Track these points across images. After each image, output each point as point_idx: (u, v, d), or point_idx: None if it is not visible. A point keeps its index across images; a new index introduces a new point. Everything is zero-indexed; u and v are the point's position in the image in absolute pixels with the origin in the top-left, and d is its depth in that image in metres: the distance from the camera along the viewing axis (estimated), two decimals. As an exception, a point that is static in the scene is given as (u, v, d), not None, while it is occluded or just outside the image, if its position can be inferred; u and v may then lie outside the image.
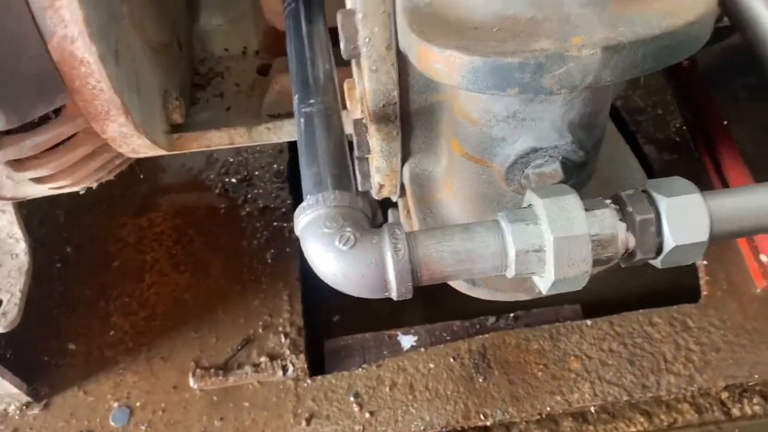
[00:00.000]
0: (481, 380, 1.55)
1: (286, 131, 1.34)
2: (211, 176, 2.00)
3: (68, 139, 1.10)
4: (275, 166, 2.00)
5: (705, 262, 1.71)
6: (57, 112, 1.05)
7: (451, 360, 1.58)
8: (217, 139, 1.31)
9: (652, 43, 0.70)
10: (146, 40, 1.23)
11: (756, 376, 1.53)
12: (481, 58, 0.70)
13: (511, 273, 0.77)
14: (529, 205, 0.79)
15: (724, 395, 1.55)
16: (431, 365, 1.58)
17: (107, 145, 1.17)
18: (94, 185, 1.32)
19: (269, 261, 1.82)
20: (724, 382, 1.53)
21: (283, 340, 1.66)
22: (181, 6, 1.58)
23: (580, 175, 0.91)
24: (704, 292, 1.66)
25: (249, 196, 1.95)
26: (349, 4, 0.95)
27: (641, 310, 1.63)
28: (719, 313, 1.61)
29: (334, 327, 1.78)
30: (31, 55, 0.96)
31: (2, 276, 1.47)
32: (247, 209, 1.93)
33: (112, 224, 1.91)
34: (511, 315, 1.70)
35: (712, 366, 1.55)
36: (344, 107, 1.06)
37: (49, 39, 0.95)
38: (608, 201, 0.78)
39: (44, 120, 1.04)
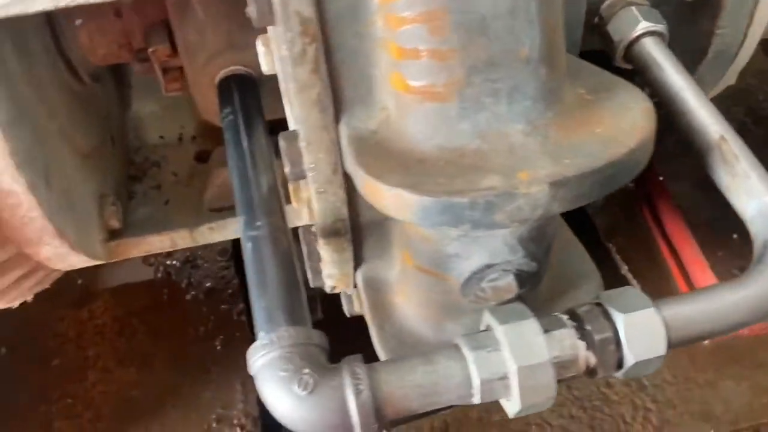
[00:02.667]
0: (445, 459, 1.53)
1: (231, 230, 1.30)
2: (152, 260, 1.93)
3: (-2, 265, 1.04)
4: (219, 244, 1.95)
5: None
6: (-16, 241, 0.99)
7: (414, 441, 1.56)
8: (159, 244, 1.26)
9: (597, 174, 0.71)
10: (76, 149, 1.18)
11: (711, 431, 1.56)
12: (431, 198, 0.70)
13: (476, 401, 0.76)
14: (488, 328, 0.78)
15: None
16: (393, 448, 1.54)
17: (41, 264, 1.11)
18: (30, 299, 1.25)
19: (218, 348, 1.76)
20: (683, 439, 1.56)
21: (238, 432, 1.61)
22: (112, 98, 1.54)
23: (534, 283, 0.91)
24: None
25: (193, 279, 1.90)
26: (291, 125, 0.94)
27: (596, 371, 1.64)
28: (671, 369, 1.64)
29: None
30: (-47, 191, 0.90)
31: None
32: (192, 293, 1.87)
33: (50, 318, 1.82)
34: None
35: (672, 423, 1.57)
36: (288, 202, 1.04)
37: (-29, 174, 0.90)
38: (565, 317, 0.78)
39: (-29, 251, 0.98)
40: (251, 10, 0.76)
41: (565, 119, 0.76)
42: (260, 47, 0.91)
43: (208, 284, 1.88)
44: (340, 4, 0.75)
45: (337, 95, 0.79)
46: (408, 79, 0.74)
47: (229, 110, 1.04)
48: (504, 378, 0.74)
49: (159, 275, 1.90)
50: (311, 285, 1.13)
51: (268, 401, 0.76)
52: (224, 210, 1.39)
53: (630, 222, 1.92)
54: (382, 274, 1.04)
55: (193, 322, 1.80)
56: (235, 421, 1.62)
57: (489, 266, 0.85)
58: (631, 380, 1.63)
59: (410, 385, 0.74)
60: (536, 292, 0.98)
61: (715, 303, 0.81)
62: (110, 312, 1.83)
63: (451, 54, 0.71)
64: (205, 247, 1.95)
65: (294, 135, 0.85)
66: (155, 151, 1.59)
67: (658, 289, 1.81)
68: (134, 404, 1.67)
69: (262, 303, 0.83)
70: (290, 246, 0.91)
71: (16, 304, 1.23)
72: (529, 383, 0.73)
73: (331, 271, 1.04)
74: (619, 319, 0.76)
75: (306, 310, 0.85)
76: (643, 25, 1.10)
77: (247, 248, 0.89)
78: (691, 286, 1.75)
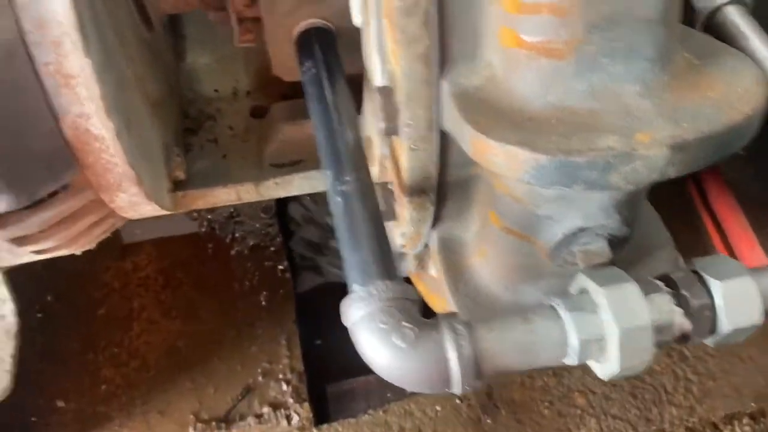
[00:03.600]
0: (489, 421, 1.55)
1: (295, 185, 1.30)
2: (195, 214, 1.94)
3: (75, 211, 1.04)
4: (263, 201, 1.95)
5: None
6: (65, 186, 0.99)
7: (458, 401, 1.58)
8: (224, 196, 1.26)
9: (715, 139, 0.70)
10: (147, 97, 1.17)
11: (752, 404, 1.58)
12: (546, 156, 0.69)
13: (573, 362, 0.77)
14: (582, 290, 0.78)
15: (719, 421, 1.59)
16: (438, 407, 1.57)
17: (113, 212, 1.11)
18: (94, 246, 1.26)
19: (263, 303, 1.77)
20: (723, 411, 1.57)
21: (284, 387, 1.62)
22: (170, 48, 1.52)
23: (623, 248, 0.91)
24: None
25: (237, 234, 1.90)
26: (379, 80, 0.92)
27: (639, 341, 1.65)
28: (715, 342, 1.65)
29: (335, 370, 1.75)
30: (42, 132, 0.90)
31: (-11, 339, 1.39)
32: (236, 248, 1.87)
33: (95, 269, 1.83)
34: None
35: (712, 395, 1.59)
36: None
37: (62, 117, 0.89)
38: (661, 283, 0.78)
39: (51, 195, 0.98)
40: (360, -42, 0.74)
41: (678, 82, 0.75)
42: (354, -2, 0.89)
43: (252, 240, 1.89)
44: (457, -45, 0.73)
45: (444, 50, 0.78)
46: (522, 34, 0.73)
47: (311, 64, 1.03)
48: (601, 340, 0.74)
49: (203, 229, 1.90)
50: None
51: (367, 353, 0.76)
52: (285, 166, 1.39)
53: (675, 196, 1.90)
54: (458, 235, 1.04)
55: (237, 276, 1.81)
56: (281, 376, 1.64)
57: (582, 230, 0.85)
58: (673, 351, 1.64)
59: (509, 343, 0.74)
60: (613, 260, 0.98)
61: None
62: (155, 264, 1.84)
63: (573, 9, 0.70)
64: (249, 204, 1.95)
65: (390, 90, 0.84)
66: (210, 104, 1.58)
67: (703, 263, 1.81)
68: (180, 355, 1.69)
69: (356, 256, 0.83)
70: (377, 201, 0.91)
71: (80, 251, 1.24)
72: (630, 346, 0.73)
73: (407, 230, 1.03)
74: (716, 286, 0.76)
75: (395, 265, 0.85)
76: (729, -7, 1.07)
77: (336, 203, 0.89)
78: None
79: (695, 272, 0.78)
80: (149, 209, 1.12)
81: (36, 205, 0.97)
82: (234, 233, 1.89)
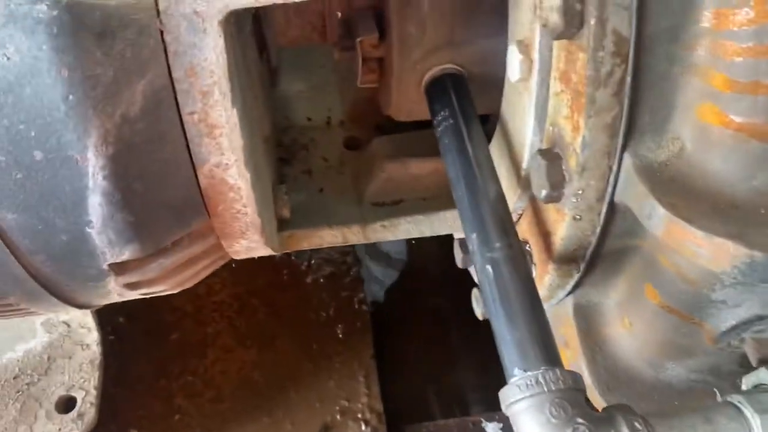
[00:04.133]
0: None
1: (402, 229, 1.24)
2: (271, 238, 1.89)
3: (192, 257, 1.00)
4: (339, 228, 1.90)
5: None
6: (189, 234, 0.94)
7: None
8: (330, 238, 1.21)
9: None
10: (262, 135, 1.13)
11: None
12: (763, 253, 0.63)
13: (754, 469, 0.70)
14: (762, 387, 0.72)
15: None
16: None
17: (227, 254, 1.06)
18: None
19: (340, 336, 1.72)
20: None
21: (363, 428, 1.57)
22: (263, 72, 1.47)
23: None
24: None
25: (313, 261, 1.85)
26: (528, 140, 0.87)
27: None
28: None
29: (413, 410, 1.70)
30: (178, 182, 0.85)
31: (73, 369, 1.36)
32: (312, 276, 1.83)
33: (167, 290, 1.79)
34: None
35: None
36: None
37: (200, 166, 0.85)
38: None
39: (175, 243, 0.94)
40: (553, 18, 0.68)
41: None
42: (515, 53, 0.84)
43: (328, 268, 1.84)
44: (662, 25, 0.67)
45: (631, 120, 0.72)
46: (732, 114, 0.67)
47: (447, 113, 0.97)
48: (792, 448, 0.67)
49: (278, 255, 1.86)
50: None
51: (534, 447, 0.71)
52: (385, 205, 1.34)
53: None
54: (595, 301, 0.98)
55: (313, 306, 1.76)
56: (359, 416, 1.59)
57: (761, 318, 0.78)
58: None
59: (691, 444, 0.68)
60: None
61: None
62: (229, 289, 1.80)
63: (796, 93, 0.63)
64: (325, 230, 1.90)
65: (556, 155, 0.79)
66: (303, 134, 1.53)
67: None
68: (256, 386, 1.64)
69: (513, 336, 0.78)
70: (530, 270, 0.85)
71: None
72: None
73: (540, 293, 0.97)
74: None
75: (557, 347, 0.79)
76: None
77: (486, 271, 0.83)
78: None
79: None
80: (262, 252, 1.07)
81: (159, 252, 0.93)
82: (311, 260, 1.84)
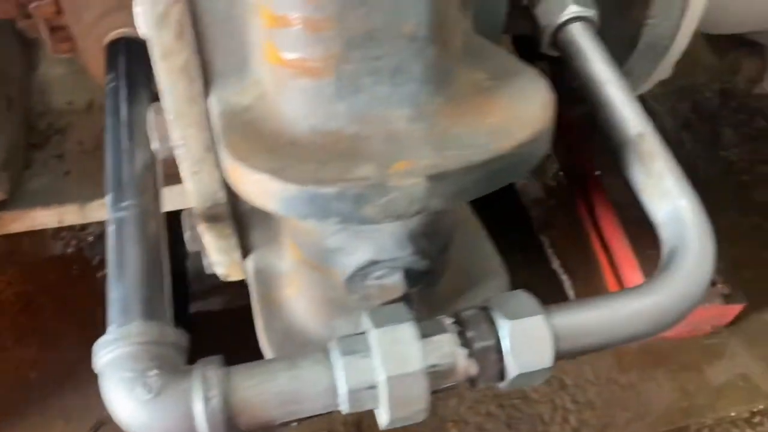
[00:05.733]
0: (356, 455, 1.47)
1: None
2: (63, 233, 1.82)
3: None
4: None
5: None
6: None
7: (325, 433, 1.49)
8: (43, 218, 1.16)
9: (481, 169, 0.64)
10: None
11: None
12: (296, 186, 0.62)
13: (344, 410, 0.69)
14: (364, 332, 0.71)
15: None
16: (302, 439, 1.48)
17: None
18: None
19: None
20: (600, 440, 1.53)
21: (140, 420, 1.51)
22: (12, 57, 1.41)
23: (428, 280, 0.84)
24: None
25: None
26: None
27: (519, 368, 1.60)
28: (594, 370, 1.61)
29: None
30: None
31: None
32: (103, 271, 1.76)
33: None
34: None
35: (590, 425, 1.54)
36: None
37: None
38: (449, 321, 0.72)
39: None
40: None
41: (456, 106, 0.69)
42: (136, 6, 0.81)
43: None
44: (208, -39, 0.66)
45: (207, 64, 0.71)
46: (281, 51, 0.66)
47: (113, 76, 0.94)
48: (373, 387, 0.67)
49: (69, 250, 1.79)
50: (206, 272, 1.05)
51: (109, 404, 0.68)
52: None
53: (565, 216, 1.87)
54: (273, 264, 0.96)
55: (102, 302, 1.69)
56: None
57: (374, 263, 0.78)
58: (553, 378, 1.59)
59: (269, 392, 0.67)
60: (435, 290, 0.92)
61: (614, 312, 0.75)
62: (16, 287, 1.71)
63: (326, 24, 0.63)
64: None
65: (158, 106, 0.77)
66: (61, 118, 1.48)
67: (589, 285, 1.78)
68: (31, 385, 1.56)
69: (117, 292, 0.76)
70: (159, 230, 0.83)
71: None
72: (399, 394, 0.66)
73: (218, 258, 0.95)
74: (504, 326, 0.70)
75: (168, 304, 0.77)
76: (572, 10, 1.03)
77: (110, 231, 0.80)
78: (622, 285, 1.72)
79: (485, 309, 0.72)
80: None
81: None
82: (103, 255, 1.77)
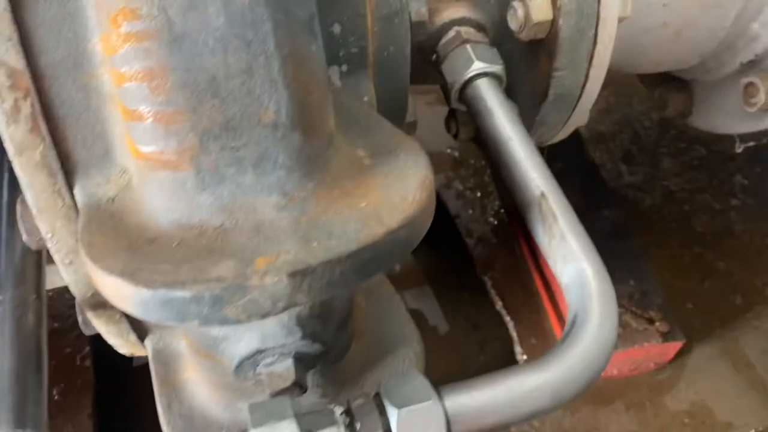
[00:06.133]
0: None
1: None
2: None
3: None
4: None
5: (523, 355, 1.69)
6: None
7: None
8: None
9: (349, 260, 0.61)
10: None
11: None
12: (148, 290, 0.58)
13: None
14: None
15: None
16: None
17: None
18: None
19: (56, 397, 1.59)
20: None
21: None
22: None
23: (324, 362, 0.81)
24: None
25: (36, 318, 1.72)
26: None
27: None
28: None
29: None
30: None
31: None
32: (34, 335, 1.69)
33: None
34: None
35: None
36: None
37: None
38: (339, 412, 0.69)
39: None
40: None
41: (330, 190, 0.66)
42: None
43: (55, 324, 1.71)
44: (57, 54, 0.63)
45: (68, 156, 0.67)
46: (137, 144, 0.63)
47: (-4, 156, 0.90)
48: (252, 492, 0.63)
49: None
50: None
51: None
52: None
53: (507, 256, 1.86)
54: (171, 346, 0.92)
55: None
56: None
57: (260, 351, 0.75)
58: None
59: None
60: (342, 364, 0.89)
61: (510, 390, 0.73)
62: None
63: (177, 117, 0.60)
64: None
65: (22, 198, 0.73)
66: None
67: (531, 326, 1.76)
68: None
69: (-18, 399, 0.71)
70: (39, 323, 0.79)
71: None
72: (277, 501, 0.63)
73: (114, 341, 0.91)
74: (393, 414, 0.67)
75: (42, 408, 0.72)
76: (477, 66, 1.02)
77: (-18, 328, 0.76)
78: (564, 324, 1.70)
79: (377, 397, 0.69)
80: None
81: None
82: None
